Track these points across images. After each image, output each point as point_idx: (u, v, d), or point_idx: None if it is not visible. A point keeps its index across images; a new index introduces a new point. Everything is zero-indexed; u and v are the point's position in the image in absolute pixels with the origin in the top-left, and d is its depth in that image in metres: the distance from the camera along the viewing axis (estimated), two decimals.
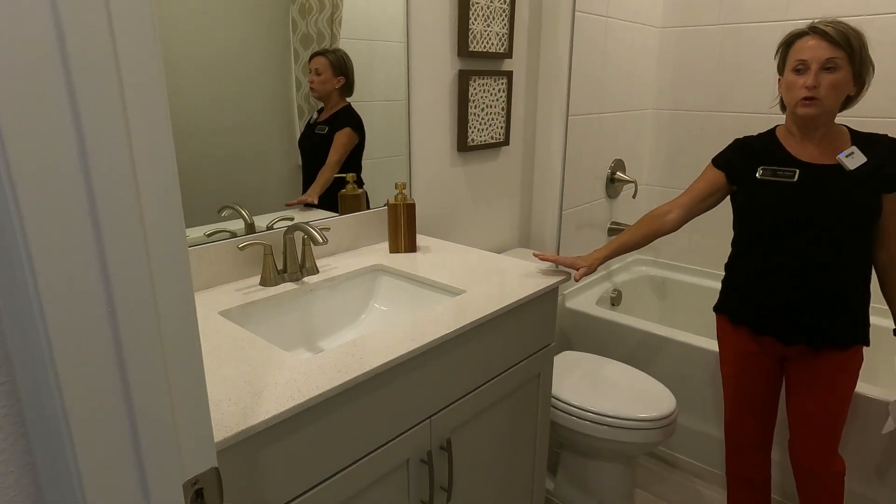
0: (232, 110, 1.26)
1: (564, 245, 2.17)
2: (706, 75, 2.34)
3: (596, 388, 1.71)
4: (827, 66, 1.20)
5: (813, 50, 1.20)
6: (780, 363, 1.45)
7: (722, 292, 1.50)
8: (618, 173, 2.35)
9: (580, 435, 1.65)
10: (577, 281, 1.33)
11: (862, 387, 1.61)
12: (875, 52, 1.96)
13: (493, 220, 2.01)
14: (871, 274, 1.33)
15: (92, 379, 0.45)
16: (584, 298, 2.28)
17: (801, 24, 1.26)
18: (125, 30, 0.42)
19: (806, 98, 1.21)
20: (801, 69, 1.23)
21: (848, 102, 1.27)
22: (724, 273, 1.49)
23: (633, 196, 2.40)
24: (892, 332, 1.36)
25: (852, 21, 1.96)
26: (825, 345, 1.33)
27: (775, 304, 1.35)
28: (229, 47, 1.23)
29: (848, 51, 1.19)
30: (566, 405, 1.66)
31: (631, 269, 2.64)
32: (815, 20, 1.23)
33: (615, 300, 2.44)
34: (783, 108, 1.34)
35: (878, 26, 1.95)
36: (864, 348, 1.40)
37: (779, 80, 1.31)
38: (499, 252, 2.05)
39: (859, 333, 1.32)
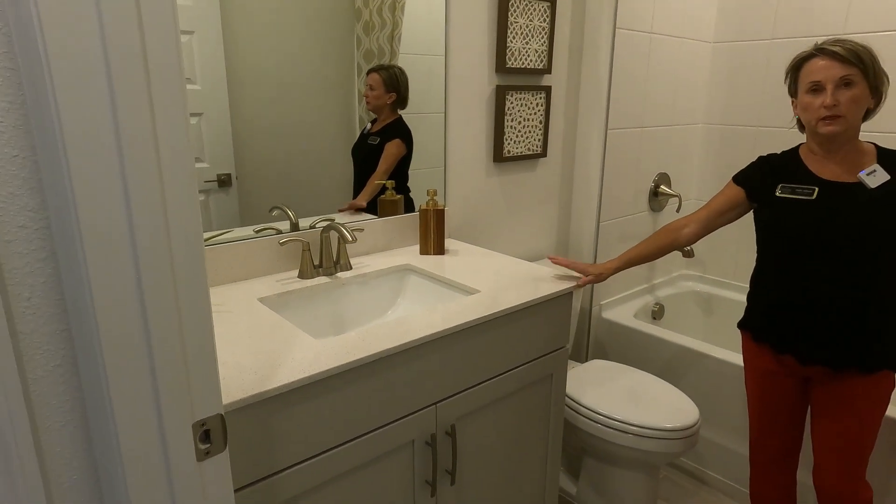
0: (299, 120, 1.43)
1: (603, 256, 2.21)
2: (760, 90, 2.30)
3: (620, 396, 1.74)
4: (843, 84, 1.20)
5: (825, 70, 1.20)
6: (803, 384, 1.43)
7: (746, 309, 1.50)
8: (662, 187, 2.35)
9: (602, 441, 1.69)
10: (579, 287, 1.39)
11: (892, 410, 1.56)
12: None
13: (530, 228, 2.09)
14: None
15: (123, 340, 0.59)
16: (623, 310, 2.30)
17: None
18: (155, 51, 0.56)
19: (826, 117, 1.22)
20: (816, 89, 1.23)
21: (867, 115, 1.26)
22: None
23: (677, 210, 2.39)
24: None
25: None
26: (846, 368, 1.31)
27: (794, 323, 1.34)
28: (299, 62, 1.40)
29: (860, 67, 1.19)
30: (589, 411, 1.70)
31: (676, 283, 2.62)
32: (820, 41, 1.23)
33: (657, 314, 2.44)
34: (801, 128, 1.34)
35: None
36: None
37: (792, 101, 1.32)
38: (534, 260, 2.12)
39: (886, 358, 1.29)
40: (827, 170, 1.30)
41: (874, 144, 1.30)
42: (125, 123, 0.55)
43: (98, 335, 0.58)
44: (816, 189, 1.29)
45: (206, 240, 1.32)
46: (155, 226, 0.59)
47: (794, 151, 1.38)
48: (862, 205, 1.24)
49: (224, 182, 1.35)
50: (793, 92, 1.32)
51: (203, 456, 0.68)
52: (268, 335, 1.07)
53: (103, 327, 0.58)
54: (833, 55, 1.20)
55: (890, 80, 1.25)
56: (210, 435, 0.68)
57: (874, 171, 1.23)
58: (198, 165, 1.30)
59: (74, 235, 0.55)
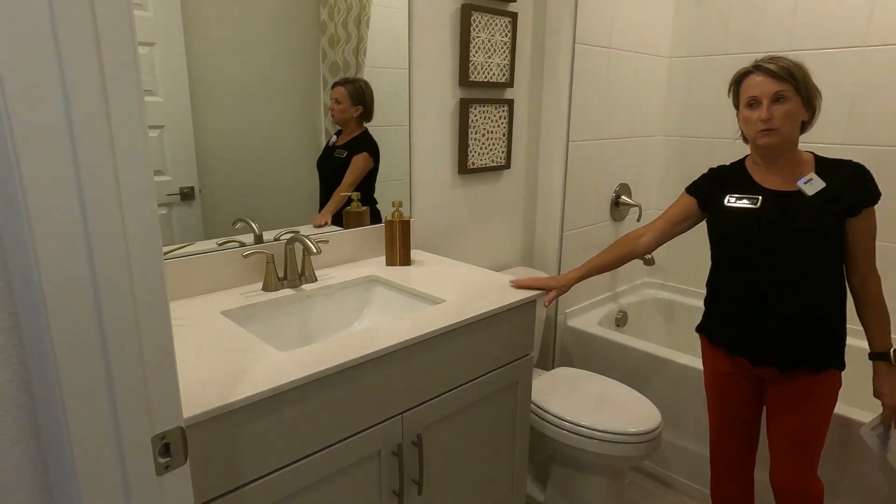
0: (264, 133, 1.43)
1: (567, 265, 2.25)
2: (714, 103, 2.40)
3: (586, 402, 1.77)
4: (777, 99, 1.27)
5: (761, 86, 1.28)
6: (757, 384, 1.49)
7: (703, 313, 1.56)
8: (622, 197, 2.42)
9: (569, 447, 1.72)
10: (546, 306, 1.42)
11: (844, 408, 1.63)
12: (869, 80, 2.00)
13: (496, 238, 2.11)
14: (844, 297, 1.37)
15: (80, 353, 0.58)
16: (587, 318, 2.34)
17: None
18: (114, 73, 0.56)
19: (763, 130, 1.29)
20: (753, 104, 1.30)
21: (804, 127, 1.34)
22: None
23: (638, 219, 2.46)
24: (879, 356, 1.38)
25: (849, 53, 2.02)
26: (795, 368, 1.37)
27: (745, 326, 1.40)
28: (264, 75, 1.40)
29: (793, 83, 1.26)
30: (555, 418, 1.73)
31: (639, 291, 2.69)
32: (759, 58, 1.31)
33: (620, 321, 2.49)
34: (745, 140, 1.41)
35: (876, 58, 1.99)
36: (863, 370, 1.41)
37: (737, 114, 1.38)
38: (501, 270, 2.15)
39: (831, 357, 1.36)
40: (770, 179, 1.37)
41: (813, 154, 1.37)
42: (81, 137, 0.55)
43: (53, 349, 0.57)
44: (760, 198, 1.35)
45: (168, 253, 1.31)
46: (112, 237, 0.58)
47: (741, 162, 1.45)
48: (801, 211, 1.30)
49: (187, 195, 1.34)
50: (736, 105, 1.39)
51: (162, 470, 0.67)
52: (230, 348, 1.06)
53: (58, 341, 0.57)
54: (768, 72, 1.27)
55: (823, 95, 1.33)
56: (170, 448, 0.67)
57: (811, 179, 1.31)
58: (160, 178, 1.29)
59: (27, 247, 0.55)
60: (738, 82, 1.35)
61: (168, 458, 0.67)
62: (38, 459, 0.64)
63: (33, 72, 0.51)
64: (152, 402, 0.65)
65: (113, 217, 0.58)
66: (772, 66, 1.27)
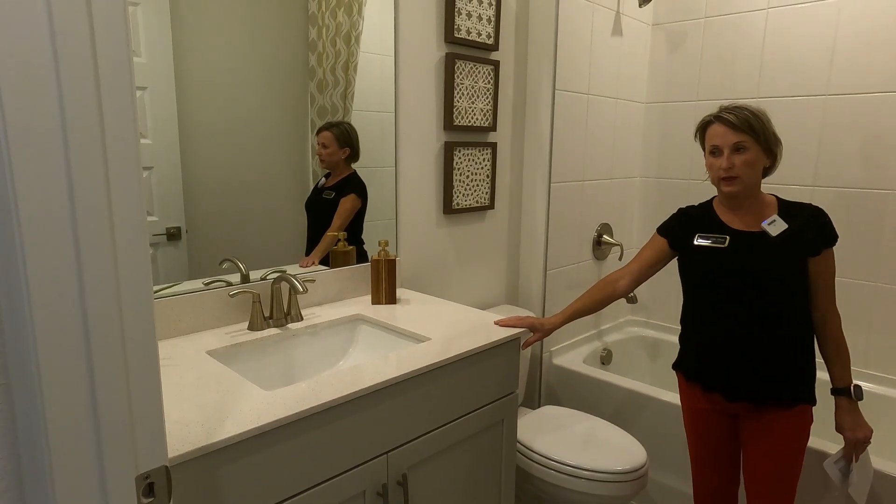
0: (251, 175, 1.46)
1: (552, 303, 2.28)
2: (689, 146, 2.49)
3: (571, 441, 1.77)
4: (737, 149, 1.33)
5: (722, 136, 1.34)
6: (732, 420, 1.51)
7: (679, 351, 1.58)
8: (604, 236, 2.47)
9: (555, 487, 1.71)
10: (523, 349, 1.44)
11: (819, 442, 1.65)
12: (833, 125, 2.10)
13: (480, 277, 2.14)
14: (811, 334, 1.41)
15: (66, 389, 0.59)
16: (572, 356, 2.36)
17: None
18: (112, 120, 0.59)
19: (725, 178, 1.35)
20: (715, 152, 1.37)
21: (767, 172, 1.40)
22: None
23: (620, 258, 2.51)
24: (840, 391, 1.42)
25: (813, 101, 2.13)
26: (767, 403, 1.39)
27: (717, 362, 1.43)
28: (253, 119, 1.44)
29: (752, 134, 1.32)
30: (541, 457, 1.72)
31: (623, 329, 2.71)
32: (722, 107, 1.37)
33: (605, 359, 2.51)
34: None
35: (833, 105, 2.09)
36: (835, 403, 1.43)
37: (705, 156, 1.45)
38: (486, 308, 2.17)
39: (802, 392, 1.38)
40: (736, 220, 1.42)
41: (776, 196, 1.43)
42: (78, 179, 0.57)
43: (41, 388, 0.58)
44: (728, 237, 1.40)
45: (154, 293, 1.30)
46: (104, 278, 0.60)
47: (709, 204, 1.50)
48: (767, 250, 1.35)
49: (173, 235, 1.35)
50: (704, 148, 1.45)
51: None
52: (215, 388, 1.06)
53: (45, 376, 0.58)
54: (728, 123, 1.33)
55: (783, 142, 1.39)
56: (154, 488, 0.67)
57: (774, 220, 1.36)
58: (147, 219, 1.30)
59: (21, 283, 0.56)
60: (702, 129, 1.41)
61: (152, 499, 0.67)
62: (18, 498, 0.63)
63: (38, 117, 0.54)
64: (137, 440, 0.65)
65: (105, 258, 0.60)
66: (731, 118, 1.32)
